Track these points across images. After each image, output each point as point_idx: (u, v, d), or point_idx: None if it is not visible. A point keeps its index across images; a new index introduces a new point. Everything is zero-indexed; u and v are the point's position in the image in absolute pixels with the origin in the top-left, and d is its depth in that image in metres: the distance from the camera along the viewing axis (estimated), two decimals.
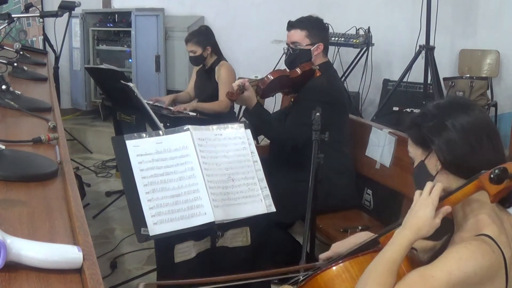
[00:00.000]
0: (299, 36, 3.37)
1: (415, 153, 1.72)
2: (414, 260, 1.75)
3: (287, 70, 3.39)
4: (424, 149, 1.68)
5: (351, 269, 1.70)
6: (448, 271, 1.47)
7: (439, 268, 1.49)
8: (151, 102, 4.70)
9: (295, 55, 3.39)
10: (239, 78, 5.63)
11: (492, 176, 1.45)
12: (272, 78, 3.28)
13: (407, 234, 1.59)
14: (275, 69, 3.57)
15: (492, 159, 1.55)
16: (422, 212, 1.59)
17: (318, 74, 3.34)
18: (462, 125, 1.58)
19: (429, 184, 1.64)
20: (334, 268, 1.74)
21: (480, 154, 1.57)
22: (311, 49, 3.37)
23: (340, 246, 2.00)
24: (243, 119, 3.57)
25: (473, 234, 1.56)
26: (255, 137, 3.68)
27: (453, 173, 1.62)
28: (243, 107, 5.33)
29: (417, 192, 1.65)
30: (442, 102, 1.69)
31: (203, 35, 4.81)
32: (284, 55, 3.53)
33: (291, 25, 3.43)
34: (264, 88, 3.29)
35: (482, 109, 1.66)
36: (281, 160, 3.40)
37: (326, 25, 3.58)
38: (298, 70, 3.31)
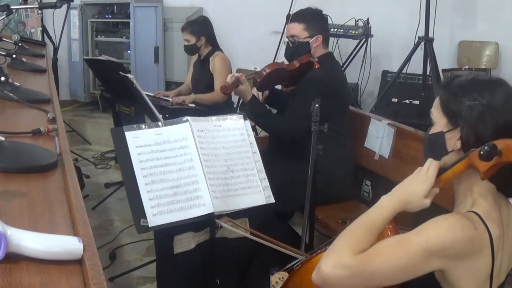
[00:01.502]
0: (297, 29, 3.36)
1: (438, 119, 1.65)
2: None
3: (285, 63, 3.39)
4: (450, 122, 1.61)
5: None
6: (426, 238, 1.45)
7: (417, 234, 1.48)
8: (151, 94, 4.71)
9: (294, 48, 3.38)
10: (238, 69, 5.66)
11: (481, 153, 1.45)
12: (268, 71, 3.27)
13: (394, 203, 1.60)
14: (274, 61, 3.56)
15: None
16: (416, 187, 1.60)
17: (316, 66, 3.32)
18: (505, 122, 1.53)
19: (429, 161, 1.63)
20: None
21: None
22: (310, 41, 3.35)
23: None
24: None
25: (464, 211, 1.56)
26: (253, 127, 3.69)
27: None
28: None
29: (419, 168, 1.65)
30: (492, 90, 1.57)
31: (199, 25, 4.81)
32: (282, 46, 3.52)
33: (289, 19, 3.43)
34: (261, 81, 3.28)
35: None
36: (280, 151, 3.40)
37: (326, 16, 3.56)
38: (296, 63, 3.30)
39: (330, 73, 3.36)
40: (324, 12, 3.55)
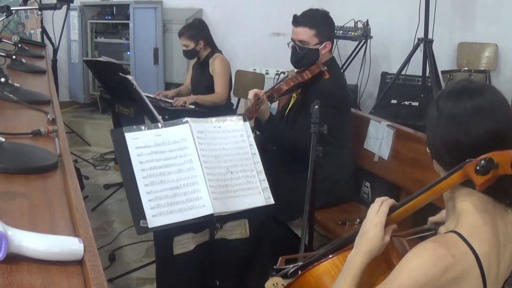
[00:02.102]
0: (308, 35, 3.28)
1: None
2: (401, 249, 1.75)
3: (294, 71, 3.33)
4: None
5: (340, 265, 1.70)
6: (399, 283, 1.44)
7: (391, 281, 1.47)
8: (151, 95, 4.71)
9: (302, 54, 3.31)
10: (237, 71, 5.66)
11: (478, 168, 1.41)
12: (286, 88, 3.24)
13: (360, 259, 1.60)
14: (286, 71, 3.47)
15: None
16: (371, 233, 1.61)
17: (326, 76, 3.28)
18: (447, 138, 1.51)
19: (378, 201, 1.65)
20: (323, 264, 1.74)
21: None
22: (319, 48, 3.30)
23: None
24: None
25: (449, 229, 1.53)
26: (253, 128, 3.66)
27: (440, 164, 1.58)
28: (242, 100, 5.34)
29: (370, 207, 1.66)
30: (458, 101, 1.52)
31: (195, 29, 4.81)
32: (288, 47, 3.45)
33: (298, 22, 3.32)
34: (278, 97, 3.29)
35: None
36: (284, 159, 3.37)
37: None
38: (309, 74, 3.24)
39: (339, 83, 3.34)
40: None
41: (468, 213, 1.52)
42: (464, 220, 1.51)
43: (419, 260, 1.44)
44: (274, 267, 2.09)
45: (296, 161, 3.27)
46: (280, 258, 2.09)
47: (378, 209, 1.63)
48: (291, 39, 3.39)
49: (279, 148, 3.51)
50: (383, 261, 1.66)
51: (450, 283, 1.44)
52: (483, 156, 1.41)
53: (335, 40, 5.53)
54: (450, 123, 1.50)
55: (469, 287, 1.46)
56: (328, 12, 3.43)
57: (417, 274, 1.42)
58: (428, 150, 1.61)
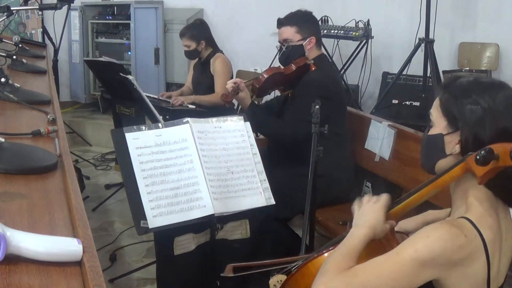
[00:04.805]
0: (290, 33, 3.35)
1: (438, 121, 1.63)
2: None
3: (281, 67, 3.38)
4: (450, 124, 1.59)
5: None
6: (414, 248, 1.45)
7: (405, 246, 1.48)
8: (153, 96, 4.71)
9: (288, 52, 3.36)
10: (238, 71, 5.66)
11: (478, 157, 1.44)
12: (266, 76, 3.28)
13: (365, 232, 1.61)
14: (271, 66, 3.53)
15: None
16: (373, 214, 1.65)
17: (313, 69, 3.32)
18: (505, 128, 1.51)
19: (374, 197, 1.71)
20: (324, 255, 1.74)
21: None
22: (303, 44, 3.34)
23: (406, 223, 1.98)
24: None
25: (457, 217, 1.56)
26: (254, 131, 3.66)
27: None
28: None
29: (366, 199, 1.72)
30: (494, 93, 1.55)
31: (197, 29, 4.81)
32: (278, 53, 3.50)
33: (280, 23, 3.41)
34: (260, 87, 3.29)
35: None
36: (280, 155, 3.39)
37: (325, 17, 3.55)
38: (293, 66, 3.29)
39: (327, 74, 3.36)
40: (324, 13, 3.55)
41: (476, 204, 1.55)
42: (474, 208, 1.55)
43: (437, 233, 1.47)
44: (221, 274, 2.09)
45: (290, 155, 3.29)
46: (227, 266, 2.08)
47: (378, 199, 1.69)
48: (278, 41, 3.46)
49: (265, 137, 3.57)
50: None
51: (459, 262, 1.47)
52: (483, 147, 1.45)
53: (336, 40, 5.61)
54: (497, 113, 1.52)
55: (475, 271, 1.50)
56: (311, 12, 3.50)
57: (434, 245, 1.44)
58: (454, 151, 1.58)
